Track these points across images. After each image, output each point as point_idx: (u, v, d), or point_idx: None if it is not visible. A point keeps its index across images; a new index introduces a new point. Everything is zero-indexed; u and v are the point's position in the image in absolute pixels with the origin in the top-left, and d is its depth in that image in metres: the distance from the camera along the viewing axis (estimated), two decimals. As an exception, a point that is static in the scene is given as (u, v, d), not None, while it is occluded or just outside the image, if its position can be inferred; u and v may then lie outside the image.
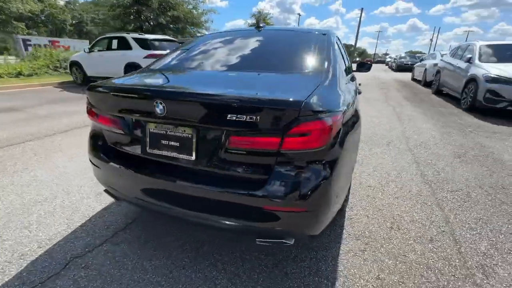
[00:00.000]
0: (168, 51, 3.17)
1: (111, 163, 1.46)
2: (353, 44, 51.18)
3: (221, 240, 1.71)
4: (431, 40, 59.92)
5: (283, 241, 1.27)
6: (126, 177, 1.45)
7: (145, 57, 7.05)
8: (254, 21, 34.34)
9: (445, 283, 1.45)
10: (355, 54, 52.84)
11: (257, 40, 2.06)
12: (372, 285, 1.43)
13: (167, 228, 1.82)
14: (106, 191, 1.64)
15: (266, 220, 1.21)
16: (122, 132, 1.42)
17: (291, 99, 1.10)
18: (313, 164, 1.17)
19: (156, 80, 1.67)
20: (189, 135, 1.24)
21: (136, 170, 1.38)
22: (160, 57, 2.12)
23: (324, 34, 2.02)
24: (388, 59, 33.70)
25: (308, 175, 1.16)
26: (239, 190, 1.18)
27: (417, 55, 23.31)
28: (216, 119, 1.18)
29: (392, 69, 22.55)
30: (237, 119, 1.11)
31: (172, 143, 1.28)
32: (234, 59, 1.83)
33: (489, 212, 2.14)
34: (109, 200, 2.08)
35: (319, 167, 1.17)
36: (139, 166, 1.40)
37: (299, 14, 53.47)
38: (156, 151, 1.33)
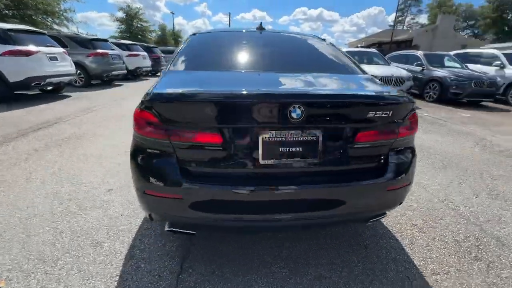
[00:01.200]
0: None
1: (204, 187, 1.20)
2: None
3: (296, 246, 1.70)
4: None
5: (385, 214, 1.47)
6: (228, 198, 1.23)
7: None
8: (123, 15, 33.44)
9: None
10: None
11: (270, 41, 2.09)
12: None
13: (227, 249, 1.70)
14: (172, 230, 1.33)
15: (385, 200, 1.40)
16: (220, 148, 1.20)
17: (407, 96, 1.36)
18: (408, 148, 1.46)
19: (245, 83, 1.48)
20: (315, 138, 1.24)
21: (244, 186, 1.22)
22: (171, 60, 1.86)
23: (324, 40, 2.29)
24: None
25: (409, 156, 1.44)
26: (365, 180, 1.30)
27: None
28: (348, 117, 1.27)
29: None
30: (368, 116, 1.25)
31: (294, 148, 1.23)
32: (273, 61, 1.81)
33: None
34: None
35: (412, 149, 1.48)
36: (246, 182, 1.24)
37: (172, 13, 49.87)
38: (271, 161, 1.23)
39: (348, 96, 1.32)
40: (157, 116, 1.17)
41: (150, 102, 1.17)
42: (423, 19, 55.44)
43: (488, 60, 8.31)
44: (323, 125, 1.24)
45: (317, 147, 1.25)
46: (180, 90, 1.22)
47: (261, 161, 1.22)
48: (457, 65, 8.18)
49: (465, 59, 8.77)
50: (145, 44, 14.16)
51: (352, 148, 1.29)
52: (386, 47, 26.44)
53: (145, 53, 11.56)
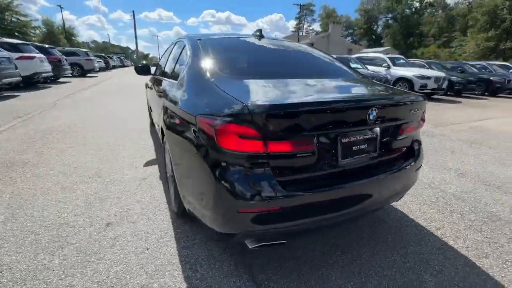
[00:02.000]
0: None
1: (299, 194, 1.22)
2: (134, 47, 51.87)
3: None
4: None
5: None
6: (319, 199, 1.28)
7: None
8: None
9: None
10: (135, 57, 52.12)
11: (285, 49, 2.24)
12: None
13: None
14: (260, 246, 1.30)
15: (413, 179, 1.73)
16: (310, 154, 1.25)
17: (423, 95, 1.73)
18: (418, 137, 1.83)
19: (304, 90, 1.59)
20: (375, 135, 1.46)
21: (331, 186, 1.29)
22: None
23: (312, 44, 2.56)
24: None
25: (420, 143, 1.81)
26: (408, 165, 1.59)
27: None
28: (398, 115, 1.54)
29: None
30: (410, 113, 1.56)
31: (362, 146, 1.42)
32: (303, 68, 1.94)
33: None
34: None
35: (419, 138, 1.85)
36: (331, 182, 1.31)
37: (61, 6, 41.25)
38: (347, 160, 1.38)
39: (402, 98, 1.58)
40: (256, 128, 1.12)
41: (250, 115, 1.11)
42: (317, 26, 64.92)
43: (377, 62, 10.64)
44: (381, 123, 1.45)
45: (376, 143, 1.47)
46: (278, 102, 1.21)
47: (340, 161, 1.34)
48: (359, 66, 10.08)
49: (361, 62, 10.86)
50: (38, 44, 11.42)
51: (395, 140, 1.56)
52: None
53: (42, 55, 9.35)
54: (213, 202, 1.24)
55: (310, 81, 1.70)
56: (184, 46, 2.17)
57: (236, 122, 1.13)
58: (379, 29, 52.83)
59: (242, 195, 1.17)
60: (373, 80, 2.05)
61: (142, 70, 3.37)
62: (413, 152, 1.69)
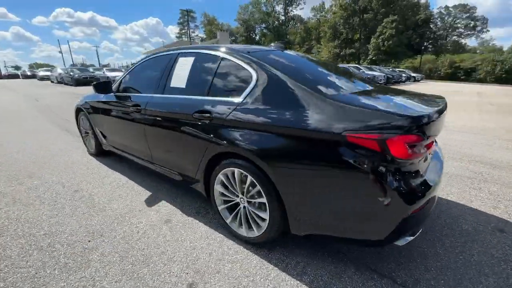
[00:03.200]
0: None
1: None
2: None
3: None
4: (60, 52, 56.86)
5: None
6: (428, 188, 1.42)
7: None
8: None
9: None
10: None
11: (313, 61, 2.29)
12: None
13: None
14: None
15: None
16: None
17: None
18: None
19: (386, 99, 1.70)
20: None
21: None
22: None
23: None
24: (50, 73, 23.21)
25: None
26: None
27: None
28: None
29: (69, 84, 18.03)
30: None
31: None
32: (343, 78, 1.98)
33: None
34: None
35: None
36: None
37: None
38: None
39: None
40: (421, 136, 1.24)
41: (418, 125, 1.23)
42: (201, 33, 65.73)
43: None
44: None
45: None
46: (427, 112, 1.32)
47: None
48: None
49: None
50: None
51: None
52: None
53: None
54: (383, 211, 1.27)
55: (370, 89, 1.92)
56: (220, 60, 1.93)
57: (408, 133, 1.22)
58: (257, 37, 59.34)
59: (410, 199, 1.26)
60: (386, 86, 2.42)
61: (105, 88, 2.71)
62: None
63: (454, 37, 52.95)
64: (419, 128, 1.23)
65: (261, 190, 1.61)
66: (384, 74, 18.71)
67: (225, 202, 1.95)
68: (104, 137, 3.22)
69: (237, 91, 1.78)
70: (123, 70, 24.55)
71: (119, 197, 2.53)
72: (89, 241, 1.88)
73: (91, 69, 21.52)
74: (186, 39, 56.83)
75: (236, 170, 1.73)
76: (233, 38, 61.67)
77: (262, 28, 57.75)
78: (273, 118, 1.52)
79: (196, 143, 1.93)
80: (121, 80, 2.88)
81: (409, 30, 41.04)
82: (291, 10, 57.24)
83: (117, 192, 2.63)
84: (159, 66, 2.46)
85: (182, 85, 2.14)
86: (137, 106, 2.43)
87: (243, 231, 1.84)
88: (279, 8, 56.34)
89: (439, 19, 51.09)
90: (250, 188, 1.72)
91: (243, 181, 1.76)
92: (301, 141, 1.43)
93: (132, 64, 8.32)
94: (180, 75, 2.18)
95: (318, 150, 1.38)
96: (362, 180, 1.27)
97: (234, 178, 1.80)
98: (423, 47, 47.56)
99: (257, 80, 1.68)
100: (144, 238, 1.92)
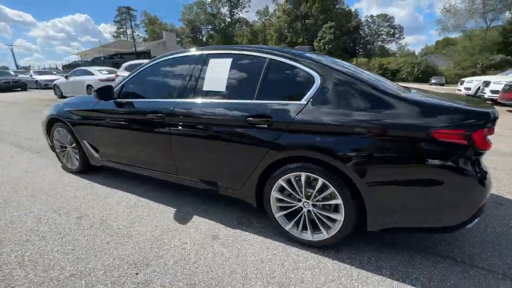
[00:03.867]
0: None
1: None
2: None
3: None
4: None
5: None
6: None
7: None
8: None
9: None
10: None
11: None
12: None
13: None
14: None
15: None
16: None
17: None
18: None
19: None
20: None
21: None
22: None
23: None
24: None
25: None
26: None
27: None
28: None
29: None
30: None
31: None
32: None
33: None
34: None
35: None
36: None
37: None
38: None
39: None
40: (494, 129, 1.42)
41: (493, 120, 1.39)
42: (142, 32, 61.29)
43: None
44: None
45: None
46: (487, 108, 1.47)
47: None
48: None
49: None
50: None
51: None
52: (127, 57, 26.96)
53: None
54: (467, 199, 1.41)
55: (416, 91, 2.08)
56: (269, 62, 1.85)
57: (487, 127, 1.38)
58: (204, 39, 58.22)
59: (489, 185, 1.45)
60: None
61: (108, 93, 2.39)
62: None
63: (379, 42, 61.09)
64: (492, 123, 1.41)
65: (336, 191, 1.61)
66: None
67: (283, 208, 1.88)
68: (96, 150, 2.76)
69: (296, 94, 1.74)
70: (54, 72, 21.21)
71: (140, 218, 2.21)
72: (137, 274, 1.60)
73: (12, 72, 18.01)
74: (125, 39, 52.24)
75: (304, 174, 1.69)
76: (178, 39, 59.29)
77: (209, 29, 56.93)
78: (351, 119, 1.53)
79: (250, 149, 1.82)
80: (123, 85, 2.51)
81: (344, 36, 45.67)
82: (237, 13, 57.86)
83: (134, 213, 2.29)
84: (180, 69, 2.24)
85: (221, 88, 1.98)
86: (157, 113, 2.15)
87: (307, 236, 1.80)
88: (224, 10, 56.41)
89: (366, 26, 58.21)
90: (318, 191, 1.70)
91: (310, 184, 1.73)
92: (383, 140, 1.48)
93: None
94: (216, 78, 2.02)
95: (403, 147, 1.45)
96: (449, 172, 1.39)
97: (298, 183, 1.75)
98: (356, 51, 53.46)
99: (323, 82, 1.67)
100: (201, 259, 1.72)
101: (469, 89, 11.45)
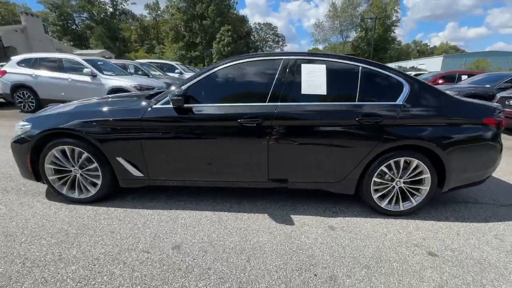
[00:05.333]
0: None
1: None
2: None
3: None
4: None
5: None
6: None
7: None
8: None
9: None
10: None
11: None
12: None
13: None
14: None
15: None
16: None
17: None
18: None
19: None
20: None
21: None
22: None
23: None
24: None
25: None
26: None
27: None
28: None
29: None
30: None
31: None
32: None
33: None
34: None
35: None
36: None
37: None
38: None
39: None
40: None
41: (501, 109, 2.31)
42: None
43: (171, 68, 11.36)
44: None
45: None
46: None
47: None
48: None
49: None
50: None
51: None
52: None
53: None
54: (494, 163, 2.31)
55: None
56: (360, 69, 2.22)
57: (502, 114, 2.29)
58: (79, 29, 48.02)
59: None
60: None
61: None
62: None
63: (267, 48, 68.79)
64: (501, 111, 2.34)
65: (426, 167, 2.19)
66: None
67: (378, 190, 2.31)
68: (138, 168, 2.26)
69: (392, 96, 2.19)
70: None
71: (236, 230, 2.09)
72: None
73: None
74: None
75: (402, 159, 2.19)
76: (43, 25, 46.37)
77: (84, 18, 47.41)
78: (434, 114, 2.16)
79: (358, 144, 2.14)
80: (187, 89, 2.19)
81: (241, 40, 48.77)
82: (121, 3, 50.88)
83: (241, 225, 2.12)
84: (267, 72, 2.24)
85: (322, 92, 2.17)
86: (253, 117, 2.09)
87: (398, 207, 2.32)
88: (104, -3, 48.30)
89: (255, 32, 64.22)
90: (412, 170, 2.24)
91: (404, 167, 2.24)
92: (454, 125, 2.18)
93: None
94: (314, 82, 2.18)
95: (464, 130, 2.18)
96: (491, 145, 2.22)
97: (395, 166, 2.23)
98: (250, 55, 57.66)
99: (411, 87, 2.19)
100: (341, 246, 1.92)
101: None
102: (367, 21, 41.83)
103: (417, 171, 2.24)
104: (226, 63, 2.29)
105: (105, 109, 2.27)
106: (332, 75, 2.23)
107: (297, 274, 1.64)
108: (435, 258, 1.82)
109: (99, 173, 2.29)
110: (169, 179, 2.34)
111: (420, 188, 2.29)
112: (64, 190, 2.37)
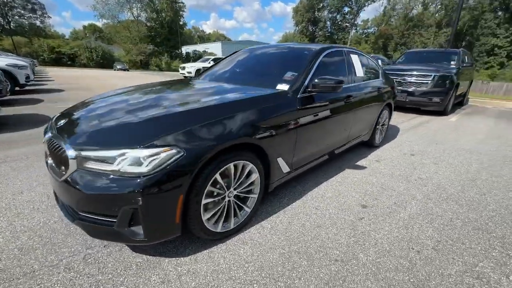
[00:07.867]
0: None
1: None
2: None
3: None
4: None
5: None
6: None
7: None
8: None
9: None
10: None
11: None
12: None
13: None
14: None
15: None
16: None
17: None
18: None
19: None
20: None
21: None
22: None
23: None
24: None
25: None
26: None
27: None
28: None
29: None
30: None
31: None
32: None
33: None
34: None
35: None
36: None
37: None
38: None
39: None
40: None
41: None
42: None
43: None
44: None
45: None
46: None
47: None
48: None
49: None
50: None
51: None
52: None
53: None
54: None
55: None
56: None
57: None
58: None
59: None
60: None
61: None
62: None
63: (16, 17, 48.33)
64: None
65: None
66: None
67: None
68: (287, 163, 2.09)
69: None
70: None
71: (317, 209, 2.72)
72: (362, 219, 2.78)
73: None
74: None
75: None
76: None
77: None
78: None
79: (377, 105, 3.38)
80: (310, 78, 2.22)
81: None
82: None
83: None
84: (338, 60, 2.77)
85: (361, 74, 3.09)
86: (348, 97, 2.67)
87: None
88: None
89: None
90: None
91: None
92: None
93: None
94: (359, 67, 3.04)
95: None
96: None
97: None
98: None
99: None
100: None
101: (190, 72, 15.99)
102: (155, 1, 41.36)
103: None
104: (321, 53, 2.50)
105: (254, 105, 1.76)
106: (362, 62, 3.21)
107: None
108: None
109: (253, 187, 1.82)
110: (304, 165, 2.32)
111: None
112: (210, 223, 1.63)
